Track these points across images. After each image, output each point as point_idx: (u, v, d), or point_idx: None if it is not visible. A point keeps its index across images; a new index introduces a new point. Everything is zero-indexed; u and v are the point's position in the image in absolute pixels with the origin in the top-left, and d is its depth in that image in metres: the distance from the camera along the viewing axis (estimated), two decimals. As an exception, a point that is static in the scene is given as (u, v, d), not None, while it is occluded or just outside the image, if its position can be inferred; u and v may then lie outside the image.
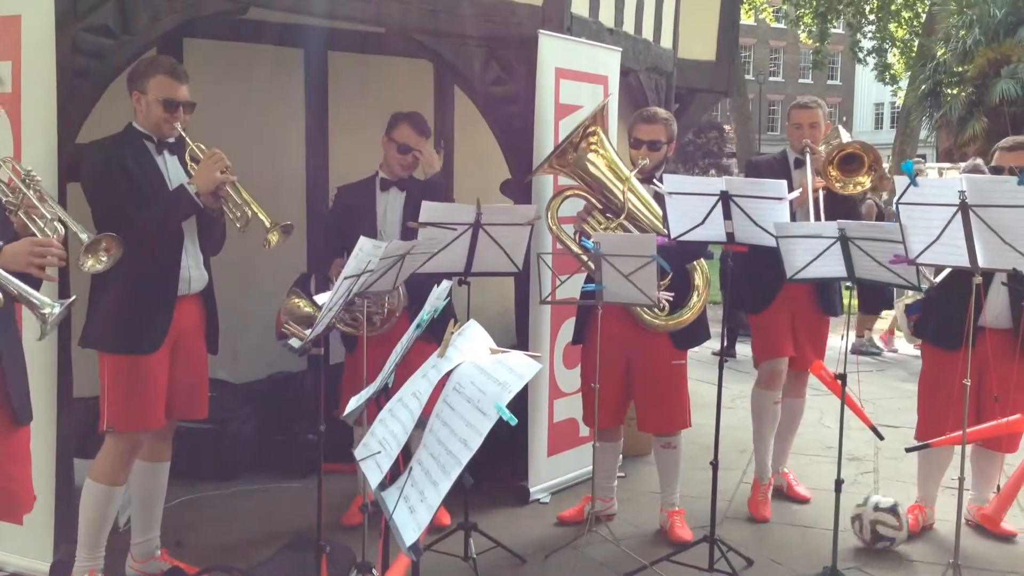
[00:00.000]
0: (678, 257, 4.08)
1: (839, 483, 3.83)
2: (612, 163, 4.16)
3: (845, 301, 4.37)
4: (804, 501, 4.91)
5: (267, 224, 3.50)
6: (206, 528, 4.42)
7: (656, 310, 4.12)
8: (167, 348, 3.60)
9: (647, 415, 4.37)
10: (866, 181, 4.32)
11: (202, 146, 3.63)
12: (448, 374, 2.02)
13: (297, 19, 4.94)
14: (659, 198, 4.07)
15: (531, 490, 4.83)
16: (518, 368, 1.87)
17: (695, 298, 4.21)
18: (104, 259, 2.99)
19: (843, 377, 3.78)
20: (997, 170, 4.23)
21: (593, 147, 4.14)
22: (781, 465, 5.07)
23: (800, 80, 50.76)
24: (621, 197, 4.11)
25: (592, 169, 4.14)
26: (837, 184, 4.33)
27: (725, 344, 4.30)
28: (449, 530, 4.17)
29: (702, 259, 4.25)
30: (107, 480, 3.58)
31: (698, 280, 4.22)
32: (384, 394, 2.46)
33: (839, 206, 4.29)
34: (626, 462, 5.15)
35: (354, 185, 4.53)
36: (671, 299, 4.09)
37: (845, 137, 4.60)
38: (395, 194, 4.41)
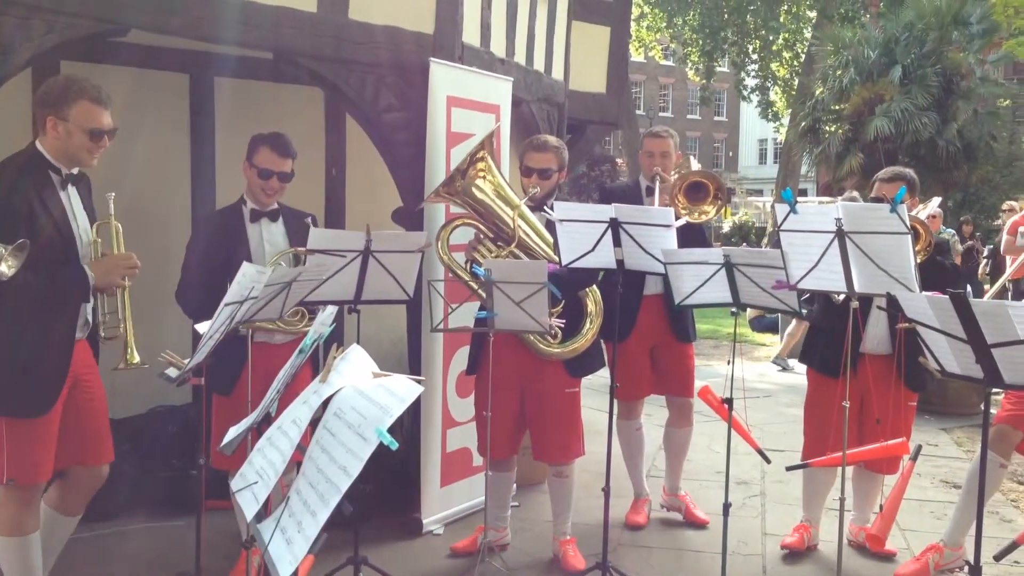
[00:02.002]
0: (570, 284, 4.10)
1: (727, 507, 3.88)
2: (500, 189, 4.14)
3: (730, 329, 4.46)
4: (703, 525, 4.96)
5: (127, 354, 3.37)
6: (83, 570, 4.18)
7: (548, 338, 4.12)
8: (61, 398, 3.36)
9: (542, 444, 4.35)
10: (711, 210, 4.49)
11: (120, 228, 3.44)
12: (328, 400, 1.97)
13: (182, 43, 4.80)
14: (551, 226, 4.08)
15: (424, 521, 4.74)
16: (399, 391, 1.82)
17: (588, 325, 4.22)
18: (12, 263, 2.83)
19: (730, 402, 3.85)
20: (877, 200, 4.40)
21: (481, 174, 4.11)
22: (676, 489, 5.13)
23: (688, 116, 52.37)
24: (512, 225, 4.11)
25: (480, 196, 4.12)
26: (683, 211, 4.44)
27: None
28: (338, 565, 4.05)
29: (594, 286, 4.28)
30: (17, 531, 3.37)
31: (591, 307, 4.24)
32: (267, 422, 2.38)
33: (689, 233, 4.30)
34: (520, 491, 5.13)
35: (218, 213, 4.29)
36: (563, 326, 4.11)
37: (695, 167, 4.74)
38: (268, 225, 4.11)
